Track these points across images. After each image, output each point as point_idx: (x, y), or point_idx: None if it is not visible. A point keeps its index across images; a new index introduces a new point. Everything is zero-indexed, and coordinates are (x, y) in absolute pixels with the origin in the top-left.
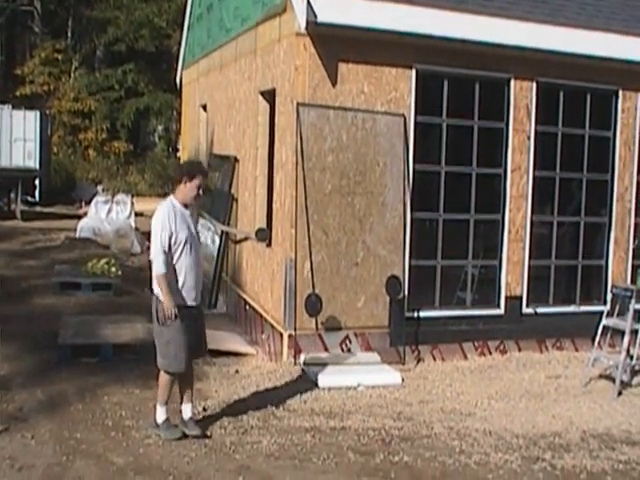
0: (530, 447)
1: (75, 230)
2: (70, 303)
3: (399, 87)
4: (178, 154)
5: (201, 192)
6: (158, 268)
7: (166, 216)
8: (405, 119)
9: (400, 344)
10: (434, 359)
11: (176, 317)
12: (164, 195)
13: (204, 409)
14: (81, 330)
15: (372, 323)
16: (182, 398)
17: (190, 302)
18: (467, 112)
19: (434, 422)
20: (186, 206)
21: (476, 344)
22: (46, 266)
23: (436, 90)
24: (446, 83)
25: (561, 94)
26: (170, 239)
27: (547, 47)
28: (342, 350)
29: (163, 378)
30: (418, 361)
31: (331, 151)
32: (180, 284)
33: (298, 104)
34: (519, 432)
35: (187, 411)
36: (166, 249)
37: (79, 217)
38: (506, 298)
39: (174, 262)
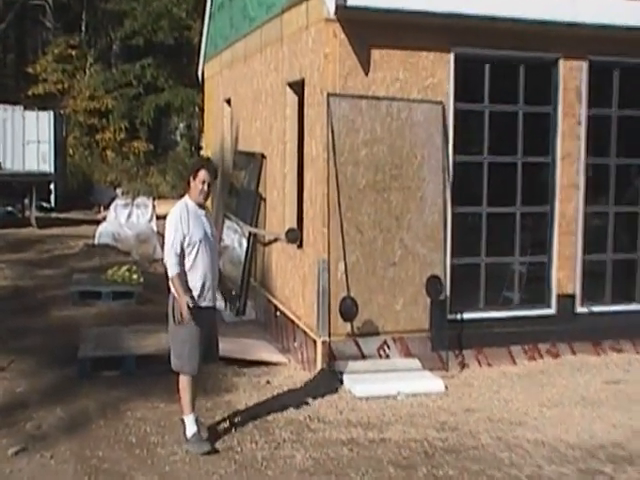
0: (588, 459)
1: (93, 236)
2: (90, 314)
3: (436, 73)
4: (201, 152)
5: (205, 187)
6: (172, 270)
7: (178, 217)
8: (444, 107)
9: (442, 349)
10: (479, 364)
11: (192, 317)
12: (183, 196)
13: (231, 422)
14: (102, 342)
15: (412, 327)
16: None
17: (206, 303)
18: (511, 97)
19: (481, 432)
20: (201, 206)
21: (525, 347)
22: (64, 275)
23: (476, 75)
24: (487, 67)
25: (615, 73)
26: (183, 240)
27: (600, 21)
28: (380, 356)
29: (182, 382)
30: (462, 367)
31: (364, 144)
32: (195, 284)
33: (328, 95)
34: (575, 442)
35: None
36: (177, 251)
37: (97, 222)
38: (557, 297)
39: (190, 263)
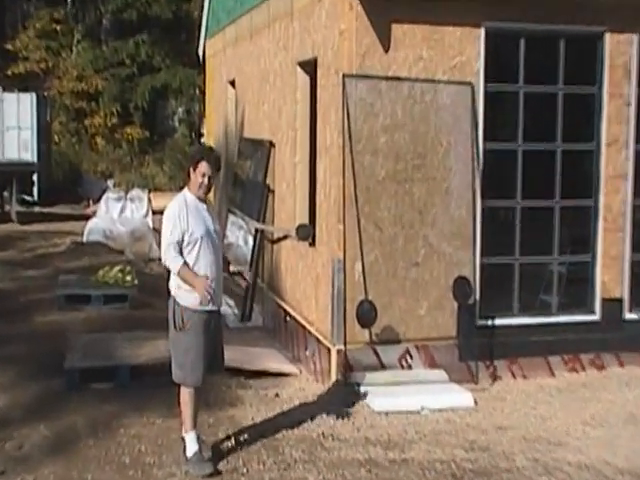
0: None
1: (82, 233)
2: (78, 319)
3: (465, 50)
4: (202, 140)
5: (206, 181)
6: (174, 263)
7: (177, 212)
8: (473, 88)
9: (471, 359)
10: (513, 376)
11: (195, 322)
12: (183, 189)
13: (236, 440)
14: (92, 351)
15: (437, 334)
16: None
17: (210, 306)
18: (549, 76)
19: (515, 453)
20: (202, 199)
21: (565, 358)
22: (49, 277)
23: (510, 52)
24: (522, 43)
25: None
26: (182, 238)
27: None
28: (401, 367)
29: (184, 395)
30: (494, 379)
31: (384, 130)
32: None
33: (344, 75)
34: (624, 466)
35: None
36: (176, 246)
37: (87, 218)
38: (602, 301)
39: (190, 262)
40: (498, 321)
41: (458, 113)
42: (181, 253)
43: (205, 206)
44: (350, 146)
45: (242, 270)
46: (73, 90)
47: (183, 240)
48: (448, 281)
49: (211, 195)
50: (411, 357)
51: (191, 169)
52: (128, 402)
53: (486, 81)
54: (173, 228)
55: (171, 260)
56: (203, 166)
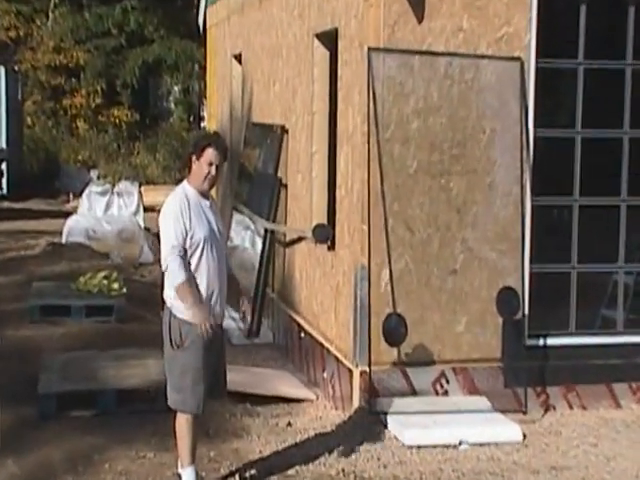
0: None
1: (61, 233)
2: (55, 335)
3: (513, 20)
4: (203, 125)
5: (213, 171)
6: (176, 276)
7: (178, 210)
8: (522, 65)
9: (519, 384)
10: (570, 406)
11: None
12: (182, 182)
13: (241, 477)
14: (71, 372)
15: (478, 355)
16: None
17: (212, 320)
18: (615, 49)
19: None
20: (205, 195)
21: (633, 386)
22: (21, 284)
23: (568, 21)
24: (583, 9)
25: None
26: (185, 239)
27: None
28: (436, 393)
29: (181, 425)
30: (546, 409)
31: (417, 115)
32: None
33: (370, 49)
34: None
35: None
36: (182, 252)
37: (66, 215)
38: None
39: (191, 269)
40: (551, 340)
41: (504, 94)
42: (185, 255)
43: (208, 203)
44: (376, 133)
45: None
46: (49, 64)
47: (185, 241)
48: (491, 292)
49: (212, 191)
50: (447, 381)
51: (194, 157)
52: (114, 432)
53: (538, 56)
54: (176, 227)
55: (172, 269)
56: (210, 154)
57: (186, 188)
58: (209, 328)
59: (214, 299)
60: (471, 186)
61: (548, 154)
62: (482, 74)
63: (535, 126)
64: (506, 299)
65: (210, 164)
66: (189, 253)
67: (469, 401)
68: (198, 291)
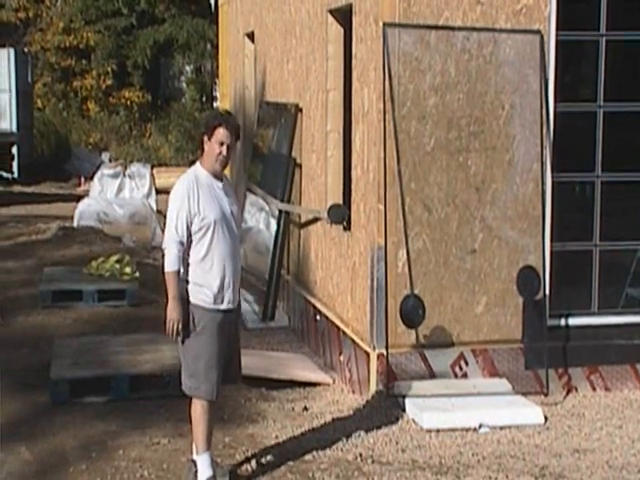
0: None
1: (72, 217)
2: (67, 320)
3: None
4: (215, 105)
5: (225, 151)
6: (169, 263)
7: (185, 192)
8: (542, 38)
9: (540, 366)
10: (593, 388)
11: (179, 334)
12: (194, 163)
13: (258, 463)
14: (83, 358)
15: (498, 336)
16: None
17: (225, 305)
18: (639, 20)
19: None
20: (218, 175)
21: None
22: (32, 269)
23: None
24: None
25: None
26: (191, 223)
27: None
28: (455, 375)
29: (196, 410)
30: (568, 391)
31: (434, 91)
32: (211, 280)
33: (385, 25)
34: None
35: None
36: (184, 238)
37: (77, 198)
38: None
39: (202, 252)
40: (573, 320)
41: (524, 69)
42: (190, 241)
43: (221, 184)
44: (392, 110)
45: None
46: (59, 45)
47: (192, 225)
48: (511, 272)
49: (226, 171)
50: (466, 363)
51: (205, 138)
52: (127, 419)
53: (558, 28)
54: (179, 212)
55: (169, 254)
56: (221, 133)
57: (198, 169)
58: (174, 330)
59: (227, 282)
60: (490, 163)
61: (569, 129)
62: (501, 48)
63: (555, 101)
64: (526, 278)
65: (221, 144)
66: (199, 236)
67: (489, 383)
68: (208, 275)
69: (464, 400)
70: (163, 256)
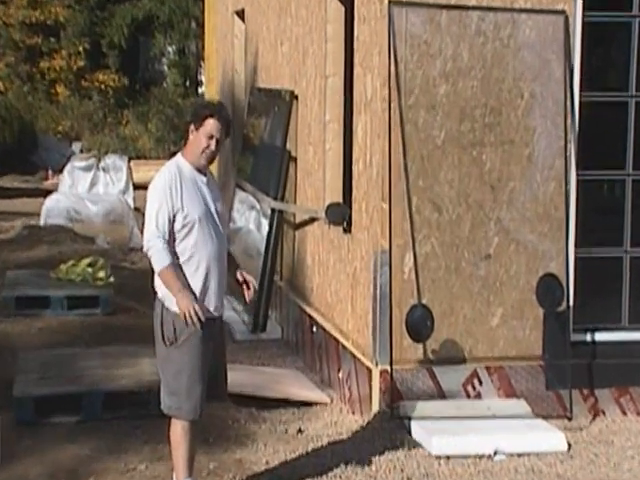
0: None
1: (39, 214)
2: (33, 330)
3: None
4: (201, 90)
5: (213, 145)
6: (158, 260)
7: (167, 186)
8: (567, 19)
9: (563, 386)
10: (623, 412)
11: (201, 323)
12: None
13: None
14: (51, 373)
15: (515, 352)
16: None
17: (209, 313)
18: None
19: None
20: (202, 170)
21: None
22: None
23: None
24: None
25: None
26: (173, 220)
27: None
28: (467, 395)
29: (176, 432)
30: (594, 415)
31: (445, 78)
32: (195, 285)
33: (391, 3)
34: None
35: None
36: (166, 235)
37: (45, 193)
38: None
39: (185, 253)
40: (600, 336)
41: (546, 54)
42: (172, 241)
43: (205, 179)
44: (399, 99)
45: None
46: (24, 21)
47: (174, 222)
48: (530, 280)
49: (212, 165)
50: (480, 382)
51: (192, 127)
52: (100, 441)
53: (586, 8)
54: (161, 206)
55: (155, 252)
56: (211, 125)
57: (180, 161)
58: (196, 316)
59: (212, 288)
60: (507, 159)
61: (596, 121)
62: (520, 30)
63: (581, 89)
64: (548, 288)
65: (210, 137)
66: (182, 235)
67: (505, 405)
68: (191, 279)
69: (477, 423)
70: (149, 260)
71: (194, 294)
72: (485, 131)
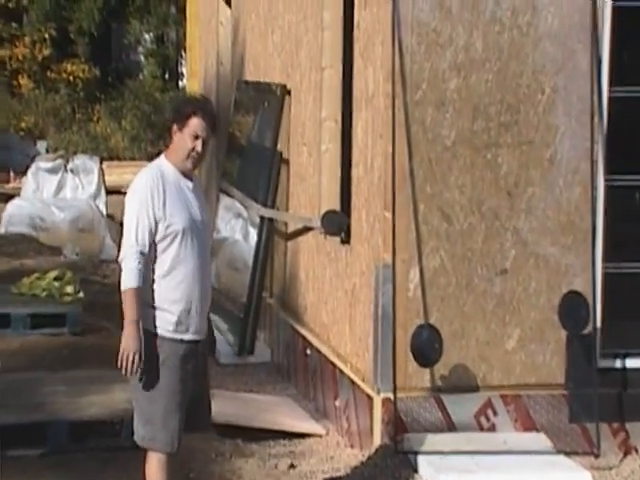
0: None
1: None
2: None
3: None
4: (182, 83)
5: (199, 146)
6: (125, 279)
7: (147, 191)
8: (595, 3)
9: (589, 419)
10: None
11: (137, 369)
12: (157, 156)
13: None
14: (11, 400)
15: (534, 379)
16: None
17: (190, 335)
18: None
19: None
20: (187, 174)
21: None
22: None
23: None
24: None
25: None
26: (155, 230)
27: None
28: (480, 427)
29: (151, 466)
30: (625, 452)
31: (456, 71)
32: (174, 302)
33: None
34: None
35: None
36: (145, 248)
37: (6, 198)
38: None
39: (165, 266)
40: (631, 362)
41: (570, 43)
42: (154, 251)
43: (191, 184)
44: (404, 95)
45: None
46: None
47: (156, 232)
48: (552, 298)
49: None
50: (495, 413)
51: (175, 127)
52: (68, 477)
53: None
54: (140, 214)
55: (125, 269)
56: (195, 124)
57: (163, 164)
58: (131, 363)
59: (194, 307)
60: (525, 161)
61: (627, 119)
62: (541, 17)
63: (610, 83)
64: (571, 307)
65: (196, 137)
66: (163, 247)
67: (523, 439)
68: (171, 296)
69: (491, 459)
70: (120, 271)
71: (168, 313)
72: (501, 131)
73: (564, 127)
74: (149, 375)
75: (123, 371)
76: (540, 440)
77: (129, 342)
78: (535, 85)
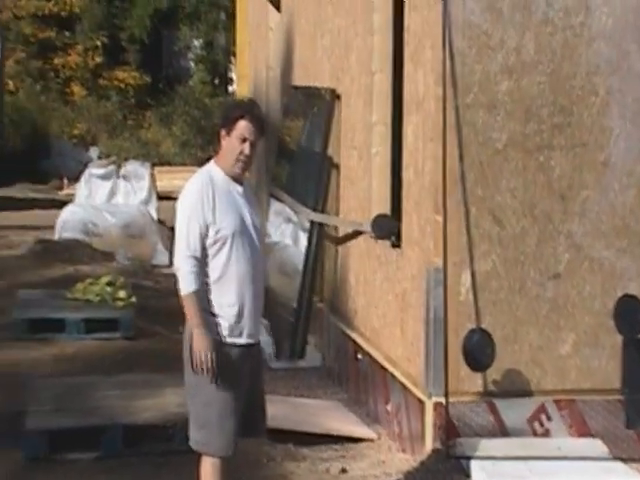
0: None
1: (52, 228)
2: (46, 356)
3: None
4: (231, 88)
5: (247, 149)
6: (184, 284)
7: (198, 197)
8: None
9: None
10: None
11: (213, 365)
12: (207, 161)
13: None
14: (67, 404)
15: (590, 384)
16: None
17: (244, 339)
18: None
19: None
20: (237, 179)
21: None
22: (2, 293)
23: None
24: None
25: None
26: (206, 235)
27: None
28: (534, 433)
29: (206, 471)
30: None
31: (507, 73)
32: (227, 307)
33: None
34: None
35: None
36: (198, 253)
37: (59, 205)
38: None
39: (217, 271)
40: None
41: (625, 43)
42: (205, 261)
43: (241, 189)
44: (455, 98)
45: None
46: (36, 13)
47: (207, 237)
48: (607, 302)
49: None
50: (549, 418)
51: (223, 132)
52: None
53: None
54: (191, 220)
55: (181, 275)
56: (243, 127)
57: (213, 170)
58: (207, 366)
59: (247, 312)
60: (579, 164)
61: None
62: (594, 17)
63: None
64: (627, 311)
65: (243, 140)
66: (214, 252)
67: (578, 445)
68: (223, 301)
69: (545, 465)
70: (176, 280)
71: (222, 318)
72: (554, 133)
73: (619, 129)
74: (206, 377)
75: (199, 371)
76: (595, 446)
77: (200, 343)
78: (589, 87)
